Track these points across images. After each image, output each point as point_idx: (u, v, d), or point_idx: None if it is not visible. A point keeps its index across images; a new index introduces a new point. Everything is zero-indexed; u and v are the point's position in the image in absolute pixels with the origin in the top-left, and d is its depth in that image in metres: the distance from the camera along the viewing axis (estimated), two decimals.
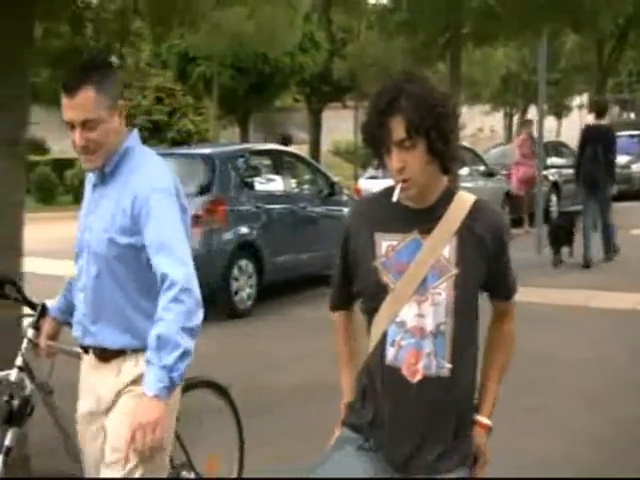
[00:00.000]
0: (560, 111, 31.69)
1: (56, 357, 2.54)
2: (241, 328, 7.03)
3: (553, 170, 13.94)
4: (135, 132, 2.25)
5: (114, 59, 17.30)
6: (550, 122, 31.94)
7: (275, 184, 8.55)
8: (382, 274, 1.87)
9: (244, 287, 7.49)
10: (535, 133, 11.25)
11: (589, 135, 9.07)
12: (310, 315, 7.12)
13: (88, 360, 2.28)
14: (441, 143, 1.81)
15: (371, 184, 10.77)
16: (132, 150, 2.19)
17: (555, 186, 13.79)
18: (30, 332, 2.52)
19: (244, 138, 20.88)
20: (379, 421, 1.88)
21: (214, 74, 17.71)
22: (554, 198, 13.74)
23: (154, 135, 23.62)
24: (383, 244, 1.89)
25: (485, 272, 1.90)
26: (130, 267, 2.13)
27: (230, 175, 7.71)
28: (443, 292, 1.85)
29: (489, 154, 15.29)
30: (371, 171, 11.87)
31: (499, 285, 1.99)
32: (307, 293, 8.20)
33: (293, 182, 8.86)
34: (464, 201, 1.92)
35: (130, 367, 2.19)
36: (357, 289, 1.96)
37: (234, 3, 6.99)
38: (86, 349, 2.27)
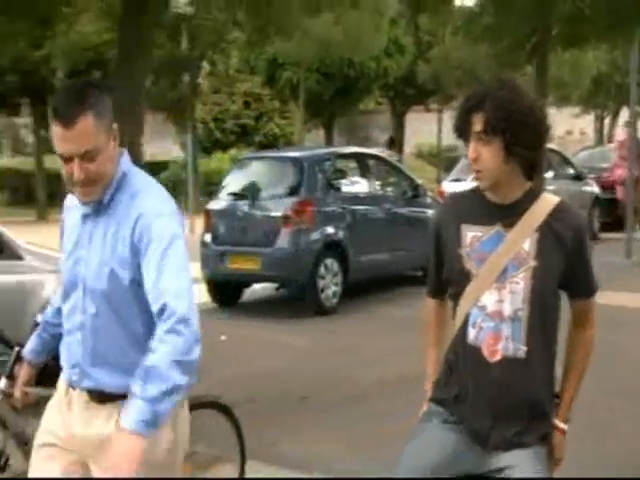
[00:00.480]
0: None
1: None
2: (327, 325, 7.30)
3: None
4: (126, 154, 2.03)
5: (205, 65, 18.02)
6: None
7: (360, 186, 8.79)
8: (466, 262, 2.07)
9: (330, 285, 7.76)
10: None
11: None
12: (396, 313, 7.30)
13: (73, 398, 2.03)
14: (520, 147, 1.99)
15: (454, 187, 10.82)
16: (128, 174, 1.97)
17: None
18: (3, 382, 2.34)
19: (329, 141, 21.24)
20: (462, 396, 2.08)
21: (301, 79, 18.15)
22: None
23: (241, 138, 24.35)
24: (468, 235, 2.09)
25: (563, 268, 2.05)
26: (132, 303, 1.93)
27: (317, 177, 8.01)
28: (521, 282, 2.03)
29: (577, 157, 15.03)
30: (454, 174, 11.91)
31: (579, 283, 2.11)
32: (392, 292, 8.40)
33: (377, 184, 9.08)
34: (548, 201, 2.09)
35: None
36: (445, 276, 2.16)
37: (322, 9, 7.26)
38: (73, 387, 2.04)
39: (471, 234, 2.09)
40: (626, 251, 9.82)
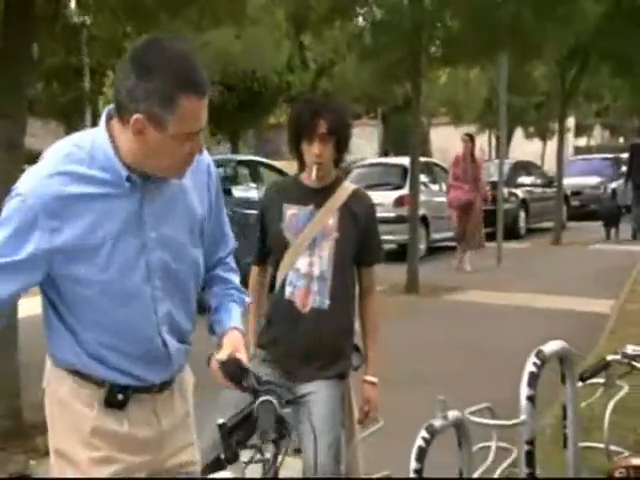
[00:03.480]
0: (544, 134, 32.48)
1: None
2: None
3: (522, 188, 14.72)
4: None
5: (110, 74, 18.08)
6: (536, 144, 32.81)
7: (253, 191, 9.30)
8: (285, 233, 2.60)
9: None
10: (480, 152, 10.70)
11: (637, 151, 13.58)
12: None
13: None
14: (343, 144, 2.59)
15: None
16: None
17: (524, 203, 14.54)
18: None
19: (234, 153, 21.60)
20: (277, 340, 2.60)
21: None
22: (522, 214, 14.48)
23: None
24: (288, 212, 2.62)
25: (357, 239, 2.62)
26: None
27: None
28: (327, 249, 2.59)
29: None
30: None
31: (369, 253, 2.67)
32: None
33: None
34: (347, 187, 2.69)
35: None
36: (269, 245, 2.68)
37: (218, 25, 7.64)
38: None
39: (290, 212, 2.63)
40: (497, 258, 10.79)
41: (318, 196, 2.62)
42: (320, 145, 2.55)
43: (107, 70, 16.00)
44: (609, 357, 1.86)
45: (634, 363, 1.79)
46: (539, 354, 1.98)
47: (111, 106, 1.70)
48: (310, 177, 2.62)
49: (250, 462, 2.45)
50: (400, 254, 9.65)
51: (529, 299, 8.32)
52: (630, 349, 1.81)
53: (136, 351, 1.73)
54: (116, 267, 1.66)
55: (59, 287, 1.68)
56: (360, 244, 2.64)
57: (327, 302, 2.57)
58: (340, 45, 10.70)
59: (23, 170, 4.21)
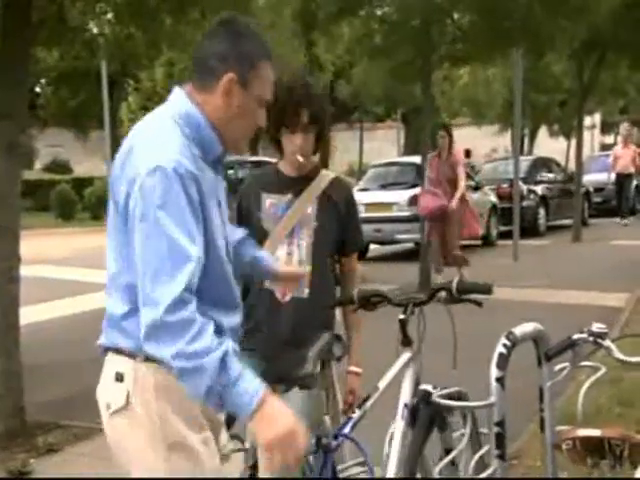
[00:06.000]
0: (569, 131, 32.06)
1: None
2: None
3: (542, 185, 14.54)
4: None
5: (130, 82, 18.31)
6: (561, 142, 32.42)
7: None
8: (264, 222, 2.58)
9: None
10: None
11: None
12: None
13: None
14: (324, 133, 2.57)
15: (362, 196, 11.40)
16: None
17: (543, 200, 14.36)
18: None
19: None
20: (258, 328, 2.57)
21: None
22: (542, 212, 14.30)
23: None
24: (266, 202, 2.60)
25: (337, 227, 2.59)
26: None
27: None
28: (305, 237, 2.56)
29: (484, 169, 16.14)
30: (361, 184, 12.52)
31: (349, 241, 2.64)
32: None
33: None
34: (326, 176, 2.65)
35: None
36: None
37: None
38: None
39: (269, 201, 2.61)
40: (513, 255, 10.67)
41: (296, 185, 2.60)
42: (303, 135, 2.52)
43: (125, 78, 16.20)
44: (575, 336, 1.81)
45: (599, 341, 1.74)
46: (509, 336, 1.93)
47: (178, 86, 1.82)
48: (290, 166, 2.61)
49: (233, 452, 2.44)
50: (416, 253, 9.58)
51: (544, 295, 8.20)
52: (595, 327, 1.76)
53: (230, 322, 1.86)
54: (219, 238, 1.77)
55: None
56: (340, 233, 2.61)
57: (306, 291, 2.55)
58: (352, 45, 10.65)
59: (23, 165, 4.20)
